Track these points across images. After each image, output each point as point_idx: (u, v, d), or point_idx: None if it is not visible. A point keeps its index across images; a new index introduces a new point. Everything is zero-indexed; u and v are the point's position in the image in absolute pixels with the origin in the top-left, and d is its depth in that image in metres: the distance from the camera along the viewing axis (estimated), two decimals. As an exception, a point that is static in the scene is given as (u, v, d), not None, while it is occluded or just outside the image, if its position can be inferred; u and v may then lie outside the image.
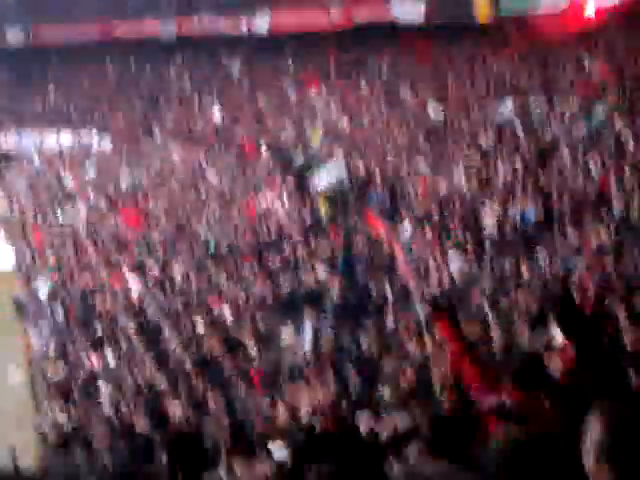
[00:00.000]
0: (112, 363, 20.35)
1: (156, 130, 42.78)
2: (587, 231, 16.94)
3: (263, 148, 33.36)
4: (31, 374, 22.64)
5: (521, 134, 23.59)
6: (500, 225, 19.49)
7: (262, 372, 17.71)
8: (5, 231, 34.19)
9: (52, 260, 28.22)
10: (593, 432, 3.20)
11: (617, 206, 17.28)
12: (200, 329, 20.07)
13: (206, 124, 40.79)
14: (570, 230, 17.45)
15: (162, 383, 18.06)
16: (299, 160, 30.18)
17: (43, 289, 26.09)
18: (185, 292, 22.66)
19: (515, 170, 21.51)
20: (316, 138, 29.45)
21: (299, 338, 18.71)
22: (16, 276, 29.40)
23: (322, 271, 21.20)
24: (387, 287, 18.84)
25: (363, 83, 37.53)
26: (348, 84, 38.39)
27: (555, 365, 8.62)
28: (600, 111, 21.63)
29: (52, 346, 22.62)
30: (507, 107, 26.04)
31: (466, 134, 26.32)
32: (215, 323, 20.11)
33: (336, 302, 19.51)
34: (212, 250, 24.95)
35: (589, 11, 29.69)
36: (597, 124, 21.39)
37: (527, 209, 19.29)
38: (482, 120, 26.77)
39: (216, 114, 39.74)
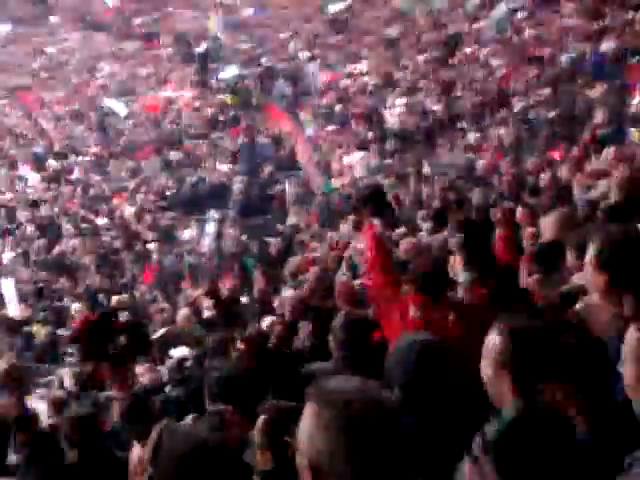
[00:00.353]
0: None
1: (53, 15, 41.29)
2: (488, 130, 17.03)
3: (164, 38, 32.45)
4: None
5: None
6: (403, 121, 19.43)
7: (158, 269, 17.62)
8: None
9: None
10: (494, 341, 3.34)
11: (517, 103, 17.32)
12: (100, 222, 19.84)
13: (105, 8, 39.47)
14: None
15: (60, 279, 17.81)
16: (201, 50, 29.46)
17: None
18: (85, 186, 22.17)
19: (419, 64, 21.42)
20: (212, 25, 28.44)
21: (202, 235, 18.64)
22: None
23: (225, 166, 21.04)
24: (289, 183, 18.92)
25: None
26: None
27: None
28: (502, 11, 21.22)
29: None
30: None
31: (371, 25, 25.96)
32: (116, 217, 19.87)
33: (239, 199, 19.41)
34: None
35: None
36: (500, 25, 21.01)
37: (430, 104, 19.25)
38: (387, 11, 26.39)
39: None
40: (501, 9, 20.51)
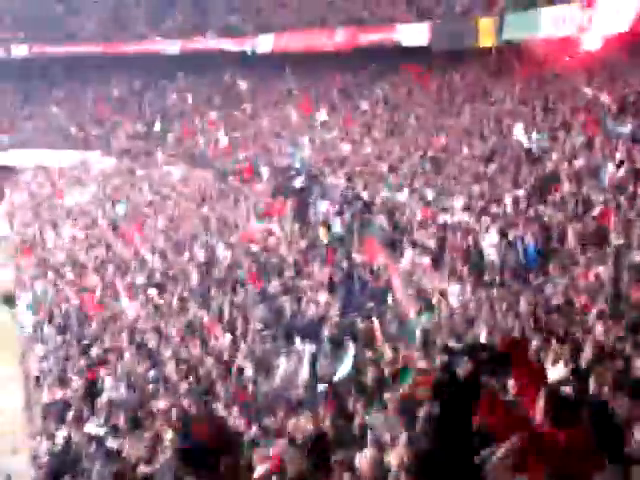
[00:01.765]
0: (109, 386, 20.21)
1: (158, 151, 42.85)
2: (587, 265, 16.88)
3: (264, 171, 33.31)
4: (27, 398, 22.45)
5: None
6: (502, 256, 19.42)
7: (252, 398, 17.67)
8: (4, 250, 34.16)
9: (40, 286, 28.00)
10: None
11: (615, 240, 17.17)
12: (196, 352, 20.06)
13: (207, 145, 40.80)
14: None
15: (158, 407, 18.00)
16: (299, 183, 30.11)
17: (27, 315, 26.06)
18: (183, 316, 22.55)
19: (517, 200, 21.46)
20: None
21: (297, 365, 18.65)
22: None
23: (322, 296, 21.18)
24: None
25: (365, 106, 37.67)
26: (350, 107, 38.50)
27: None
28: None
29: (48, 370, 22.47)
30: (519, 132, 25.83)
31: (468, 162, 26.25)
32: (212, 347, 20.08)
33: (335, 329, 19.44)
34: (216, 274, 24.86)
35: (592, 39, 29.50)
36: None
37: (528, 241, 19.18)
38: (485, 148, 26.71)
39: (220, 138, 39.64)
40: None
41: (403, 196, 25.61)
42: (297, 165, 32.23)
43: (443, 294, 19.14)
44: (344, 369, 17.28)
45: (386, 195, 26.18)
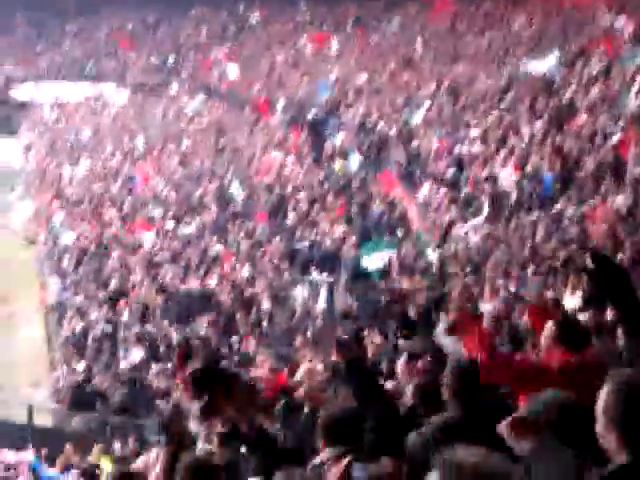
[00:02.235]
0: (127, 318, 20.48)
1: (173, 83, 42.66)
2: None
3: (280, 103, 33.12)
4: (48, 331, 22.67)
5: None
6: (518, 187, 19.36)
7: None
8: (22, 184, 34.20)
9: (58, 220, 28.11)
10: (605, 400, 3.33)
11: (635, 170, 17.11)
12: (214, 284, 20.24)
13: (222, 77, 40.53)
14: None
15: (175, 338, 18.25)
16: (315, 116, 29.97)
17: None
18: (200, 247, 22.70)
19: (534, 130, 21.33)
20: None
21: (314, 296, 18.82)
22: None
23: (338, 229, 21.25)
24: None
25: (380, 36, 37.36)
26: (365, 37, 38.16)
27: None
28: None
29: (68, 303, 22.67)
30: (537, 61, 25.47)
31: (485, 91, 26.01)
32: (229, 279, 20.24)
33: (352, 261, 19.54)
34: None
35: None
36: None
37: (545, 173, 19.10)
38: (502, 77, 26.45)
39: (231, 70, 39.32)
40: None
41: (419, 127, 25.45)
42: (314, 97, 32.03)
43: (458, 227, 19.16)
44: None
45: (402, 126, 26.03)
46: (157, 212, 26.09)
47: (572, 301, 12.30)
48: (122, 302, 21.15)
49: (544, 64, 24.86)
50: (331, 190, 23.70)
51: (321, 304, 18.58)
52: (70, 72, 48.05)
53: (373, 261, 18.47)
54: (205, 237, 23.23)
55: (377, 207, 22.07)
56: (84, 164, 33.44)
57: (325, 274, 19.14)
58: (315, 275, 19.38)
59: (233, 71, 38.88)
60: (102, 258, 24.20)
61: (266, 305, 18.65)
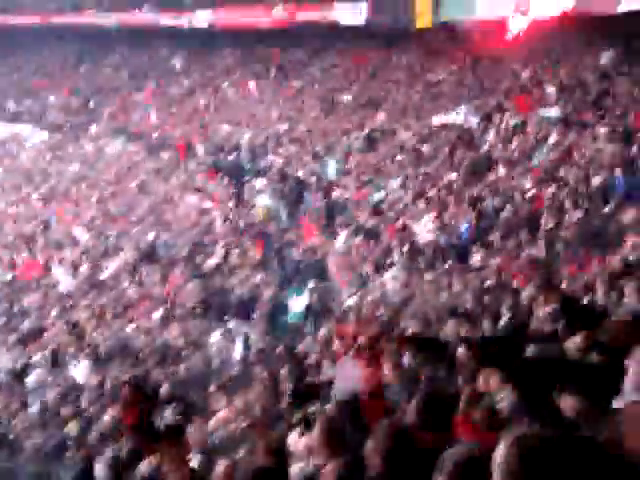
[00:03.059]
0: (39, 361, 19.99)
1: (92, 125, 42.32)
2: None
3: (199, 149, 33.09)
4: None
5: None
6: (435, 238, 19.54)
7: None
8: None
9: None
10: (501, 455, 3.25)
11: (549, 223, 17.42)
12: (129, 331, 19.91)
13: (142, 120, 40.36)
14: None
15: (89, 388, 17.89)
16: (235, 162, 30.01)
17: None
18: (115, 292, 22.36)
19: (452, 182, 21.63)
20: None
21: (229, 344, 18.62)
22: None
23: (256, 276, 21.16)
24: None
25: (302, 84, 37.60)
26: (287, 84, 38.38)
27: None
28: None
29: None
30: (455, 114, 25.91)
31: (405, 142, 26.33)
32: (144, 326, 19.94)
33: (268, 308, 19.45)
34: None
35: (526, 21, 29.60)
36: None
37: (462, 224, 19.34)
38: (421, 128, 26.82)
39: (156, 113, 39.23)
40: None
41: (338, 175, 25.62)
42: (234, 143, 32.09)
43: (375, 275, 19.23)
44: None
45: (321, 174, 26.19)
46: (73, 254, 25.67)
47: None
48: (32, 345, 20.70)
49: (460, 116, 25.35)
50: (249, 236, 23.65)
51: (237, 350, 18.41)
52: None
53: (296, 303, 18.54)
54: (121, 281, 22.90)
55: (296, 253, 22.07)
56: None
57: (241, 321, 19.00)
58: (232, 322, 19.23)
59: (153, 114, 38.84)
60: (13, 300, 23.69)
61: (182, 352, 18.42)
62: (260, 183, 27.16)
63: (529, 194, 19.03)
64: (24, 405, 18.28)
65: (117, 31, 47.96)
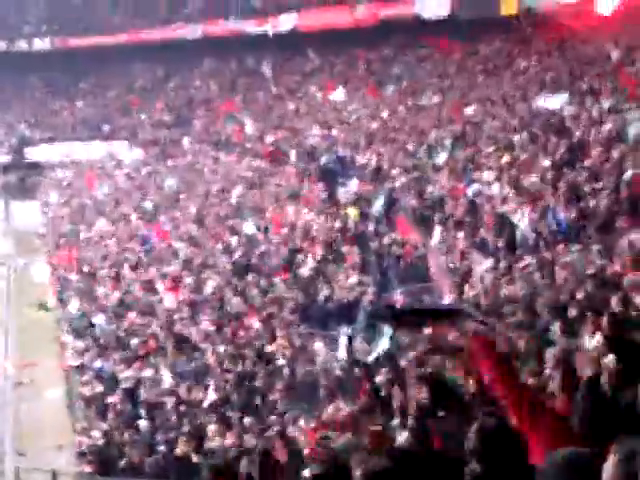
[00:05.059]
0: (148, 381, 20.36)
1: (185, 138, 42.89)
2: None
3: (292, 154, 33.23)
4: (68, 394, 22.60)
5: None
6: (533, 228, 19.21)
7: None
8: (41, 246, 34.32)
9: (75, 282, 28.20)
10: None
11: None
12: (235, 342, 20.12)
13: (234, 130, 40.72)
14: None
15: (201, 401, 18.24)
16: (328, 165, 30.01)
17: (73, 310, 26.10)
18: (218, 306, 22.59)
19: (547, 169, 21.24)
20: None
21: (334, 350, 18.66)
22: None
23: (354, 278, 21.13)
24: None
25: (389, 81, 37.52)
26: (374, 83, 38.33)
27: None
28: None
29: (88, 365, 22.61)
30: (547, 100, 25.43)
31: (497, 132, 25.99)
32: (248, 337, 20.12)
33: (369, 311, 19.39)
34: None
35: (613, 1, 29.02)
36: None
37: (559, 212, 18.96)
38: (513, 117, 26.45)
39: (245, 122, 39.53)
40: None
41: (432, 171, 25.42)
42: (324, 145, 32.14)
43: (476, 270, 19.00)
44: (380, 349, 17.23)
45: (414, 171, 26.02)
46: (174, 270, 26.02)
47: (592, 342, 12.12)
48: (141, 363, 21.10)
49: (555, 102, 24.91)
50: (346, 239, 23.62)
51: (342, 356, 18.42)
52: (83, 131, 48.48)
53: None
54: (223, 294, 23.10)
55: (394, 253, 21.92)
56: (100, 224, 33.52)
57: (344, 326, 18.99)
58: (334, 328, 19.25)
59: (245, 123, 39.16)
60: (120, 318, 24.15)
61: (283, 361, 18.54)
62: (354, 184, 27.08)
63: (626, 177, 18.56)
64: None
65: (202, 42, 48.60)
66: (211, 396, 18.28)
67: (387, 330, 17.38)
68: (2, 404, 22.38)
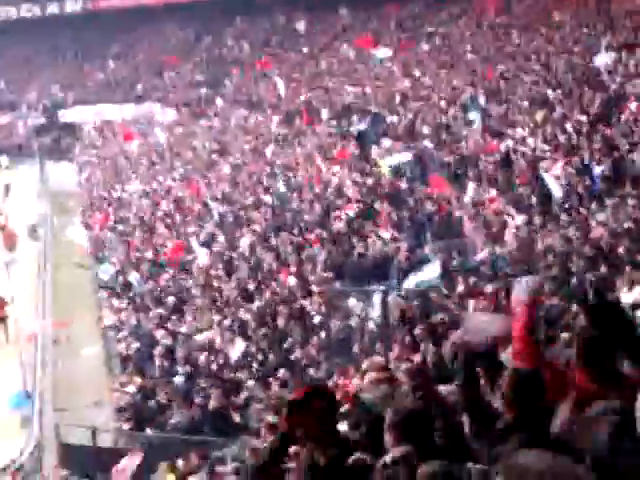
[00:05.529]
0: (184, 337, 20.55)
1: (218, 98, 42.85)
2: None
3: (324, 113, 33.12)
4: (106, 351, 22.84)
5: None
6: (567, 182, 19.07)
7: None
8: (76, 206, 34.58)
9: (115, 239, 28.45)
10: None
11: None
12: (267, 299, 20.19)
13: (266, 89, 40.64)
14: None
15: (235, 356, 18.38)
16: (361, 125, 29.86)
17: (109, 269, 26.30)
18: (252, 263, 22.66)
19: (582, 125, 21.06)
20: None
21: (368, 305, 18.68)
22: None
23: (388, 235, 21.08)
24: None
25: (422, 38, 37.23)
26: (407, 40, 38.06)
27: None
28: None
29: (125, 321, 22.84)
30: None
31: (531, 88, 25.76)
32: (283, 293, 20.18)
33: (403, 267, 19.36)
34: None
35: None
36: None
37: (593, 167, 18.81)
38: (547, 72, 26.20)
39: (277, 82, 39.37)
40: None
41: (465, 128, 25.27)
42: (357, 104, 31.99)
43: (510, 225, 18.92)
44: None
45: (447, 128, 25.89)
46: (209, 227, 26.16)
47: (630, 296, 12.10)
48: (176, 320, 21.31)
49: (593, 56, 24.63)
50: (380, 196, 23.53)
51: (376, 313, 18.45)
52: (116, 93, 48.59)
53: (430, 267, 18.25)
54: (256, 251, 23.18)
55: (427, 210, 21.84)
56: (134, 184, 33.70)
57: (378, 284, 18.99)
58: (367, 285, 19.25)
59: (277, 82, 38.99)
60: (157, 277, 24.36)
61: (319, 317, 18.61)
62: (387, 142, 26.95)
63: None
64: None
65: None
66: (246, 352, 18.41)
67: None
68: (41, 362, 22.63)
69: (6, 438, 19.45)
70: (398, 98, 30.84)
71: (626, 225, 15.70)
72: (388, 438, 5.20)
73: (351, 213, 22.63)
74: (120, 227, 29.20)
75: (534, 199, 19.28)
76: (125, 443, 18.21)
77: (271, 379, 16.96)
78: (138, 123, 43.22)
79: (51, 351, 23.12)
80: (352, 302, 18.93)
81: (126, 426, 18.43)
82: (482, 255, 18.55)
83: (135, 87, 48.62)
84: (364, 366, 14.39)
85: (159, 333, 20.88)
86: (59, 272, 28.10)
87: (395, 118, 28.89)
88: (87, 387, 21.12)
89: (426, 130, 26.35)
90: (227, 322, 20.07)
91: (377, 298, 18.52)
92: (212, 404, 16.63)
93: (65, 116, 48.07)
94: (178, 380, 18.66)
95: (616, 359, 4.84)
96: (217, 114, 40.80)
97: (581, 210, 17.81)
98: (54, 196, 36.72)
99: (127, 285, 24.68)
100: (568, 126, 21.21)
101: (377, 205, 22.67)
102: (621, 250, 14.61)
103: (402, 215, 21.76)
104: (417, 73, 33.44)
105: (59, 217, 33.21)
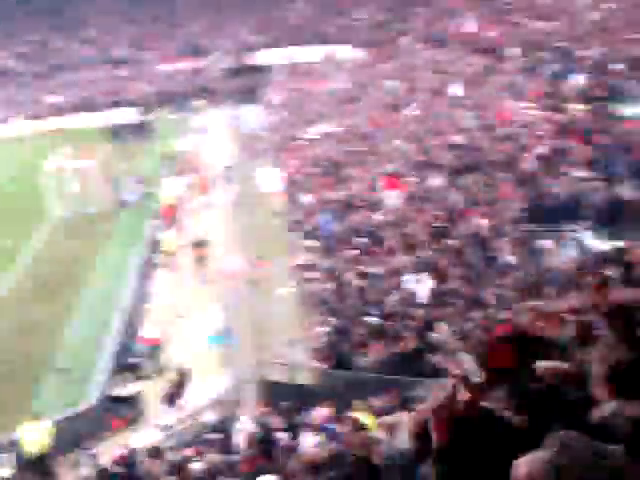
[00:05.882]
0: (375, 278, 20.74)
1: (403, 37, 42.61)
2: None
3: (514, 50, 32.47)
4: (300, 291, 23.22)
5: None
6: None
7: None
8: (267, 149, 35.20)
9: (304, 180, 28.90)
10: None
11: None
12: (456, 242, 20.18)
13: (455, 26, 40.12)
14: None
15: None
16: (550, 59, 29.18)
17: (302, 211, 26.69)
18: (441, 204, 22.62)
19: None
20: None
21: (561, 247, 18.46)
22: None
23: (582, 174, 20.67)
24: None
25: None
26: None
27: None
28: None
29: (318, 263, 23.19)
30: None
31: None
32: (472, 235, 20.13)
33: (600, 207, 18.97)
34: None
35: None
36: None
37: None
38: None
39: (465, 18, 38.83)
40: None
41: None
42: (548, 41, 31.16)
43: None
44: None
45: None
46: (398, 168, 26.20)
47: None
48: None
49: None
50: (572, 134, 23.01)
51: (571, 252, 18.17)
52: (304, 35, 49.04)
53: None
54: (445, 191, 23.11)
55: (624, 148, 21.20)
56: (325, 126, 34.05)
57: (572, 223, 18.69)
58: (562, 225, 18.94)
59: (466, 19, 38.50)
60: (347, 218, 24.61)
61: (509, 257, 18.50)
62: (580, 77, 26.23)
63: None
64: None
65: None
66: (437, 290, 18.50)
67: None
68: (239, 302, 23.27)
69: (207, 374, 20.25)
70: (588, 32, 29.88)
71: None
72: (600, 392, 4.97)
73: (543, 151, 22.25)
74: (311, 169, 29.60)
75: None
76: (322, 381, 18.59)
77: (461, 319, 17.03)
78: (323, 64, 43.54)
79: (249, 290, 23.73)
80: (545, 242, 18.73)
81: (323, 365, 18.83)
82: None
83: (322, 29, 48.90)
84: (556, 306, 14.33)
85: (350, 274, 21.16)
86: (253, 215, 28.76)
87: (587, 52, 28.03)
88: (283, 326, 21.60)
89: (620, 66, 25.44)
90: (416, 261, 20.17)
91: (571, 237, 18.27)
92: (406, 344, 16.84)
93: (254, 59, 48.93)
94: (372, 320, 18.92)
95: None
96: (404, 52, 40.58)
97: None
98: (246, 139, 37.56)
99: (318, 226, 25.06)
100: None
101: (570, 143, 22.19)
102: None
103: (597, 154, 21.22)
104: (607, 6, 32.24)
105: (251, 160, 33.98)
